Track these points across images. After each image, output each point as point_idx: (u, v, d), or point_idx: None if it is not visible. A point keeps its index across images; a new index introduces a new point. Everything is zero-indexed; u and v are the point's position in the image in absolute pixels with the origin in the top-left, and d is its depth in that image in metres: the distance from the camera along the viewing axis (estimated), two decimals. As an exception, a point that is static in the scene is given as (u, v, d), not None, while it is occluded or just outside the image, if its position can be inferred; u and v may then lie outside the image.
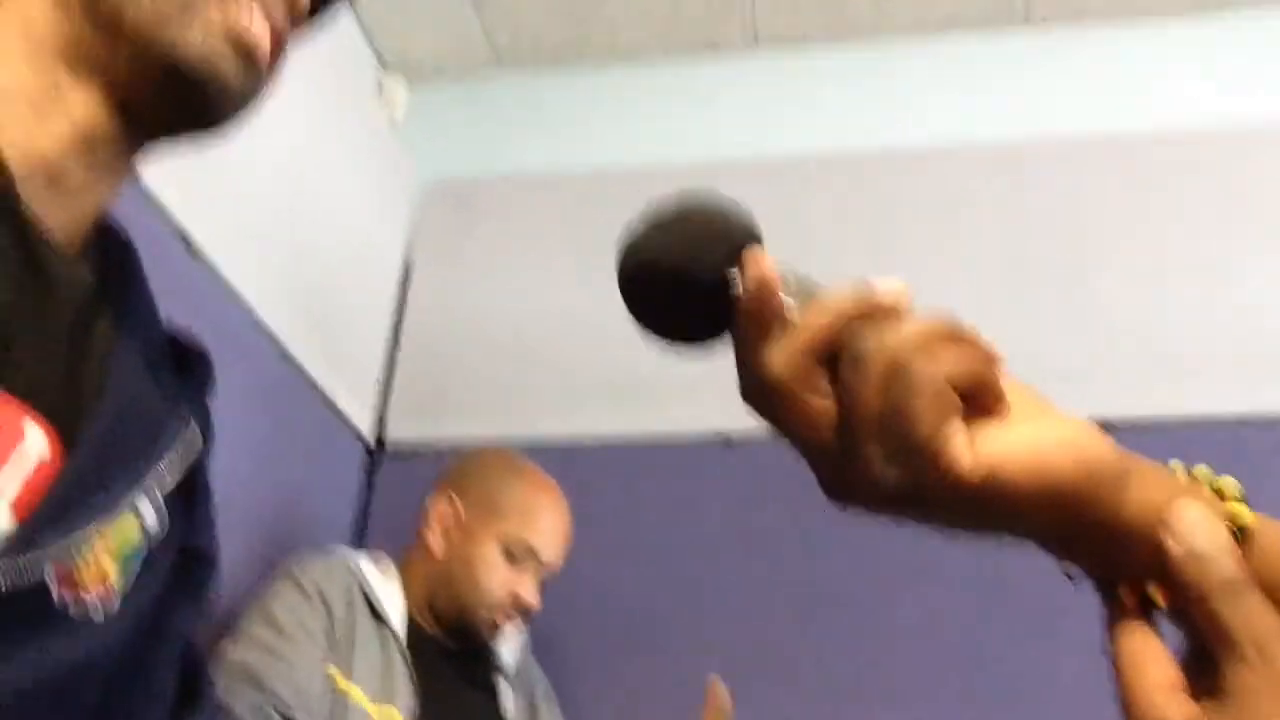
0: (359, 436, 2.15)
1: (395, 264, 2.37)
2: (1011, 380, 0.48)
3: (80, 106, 0.72)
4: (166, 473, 0.73)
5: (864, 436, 0.45)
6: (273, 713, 1.32)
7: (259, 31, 0.73)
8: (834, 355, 0.47)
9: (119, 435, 0.71)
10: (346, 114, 2.28)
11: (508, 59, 2.62)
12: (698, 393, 2.09)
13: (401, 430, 2.19)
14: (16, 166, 0.69)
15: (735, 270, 0.50)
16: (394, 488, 2.13)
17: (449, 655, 1.60)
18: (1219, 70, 2.33)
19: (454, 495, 1.64)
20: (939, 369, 0.45)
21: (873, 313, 0.48)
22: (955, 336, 0.46)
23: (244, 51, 0.72)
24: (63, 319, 0.70)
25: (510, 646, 1.67)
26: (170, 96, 0.72)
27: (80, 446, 0.68)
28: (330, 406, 2.05)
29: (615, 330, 2.32)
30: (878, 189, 2.30)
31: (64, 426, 0.68)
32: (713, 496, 2.04)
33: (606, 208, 2.36)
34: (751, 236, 0.53)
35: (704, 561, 1.99)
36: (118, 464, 0.70)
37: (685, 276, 0.52)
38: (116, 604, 0.69)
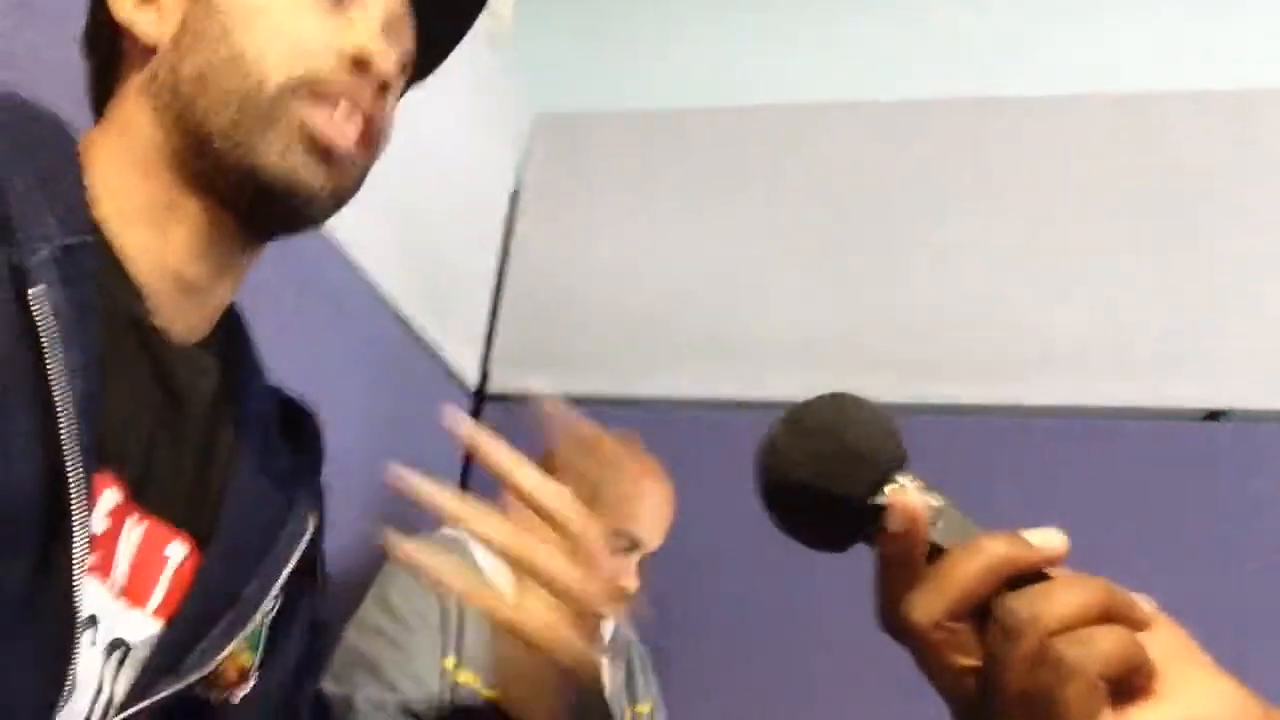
0: (463, 385, 2.18)
1: (501, 203, 2.35)
2: (1162, 634, 0.48)
3: (194, 214, 0.74)
4: (288, 565, 0.77)
5: (1008, 712, 0.45)
6: (392, 706, 1.39)
7: (341, 129, 0.73)
8: (982, 609, 0.47)
9: (246, 538, 0.76)
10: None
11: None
12: (804, 356, 2.08)
13: (505, 381, 2.21)
14: (144, 279, 0.72)
15: (883, 496, 0.50)
16: (497, 434, 2.17)
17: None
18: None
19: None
20: (1092, 659, 0.44)
21: (1026, 569, 0.47)
22: (1109, 610, 0.46)
23: (324, 152, 0.73)
24: (193, 430, 0.74)
25: (608, 622, 1.73)
26: (262, 206, 0.74)
27: (213, 556, 0.73)
28: (435, 355, 2.08)
29: (722, 285, 2.31)
30: (997, 137, 2.20)
31: (197, 529, 0.73)
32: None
33: (725, 147, 2.33)
34: (899, 458, 0.52)
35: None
36: (247, 567, 0.75)
37: (828, 498, 0.51)
38: (251, 681, 0.74)
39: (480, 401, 2.22)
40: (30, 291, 0.60)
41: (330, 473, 1.72)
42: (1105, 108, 2.15)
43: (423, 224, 2.04)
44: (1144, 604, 0.48)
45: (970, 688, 0.47)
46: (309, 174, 0.72)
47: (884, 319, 2.07)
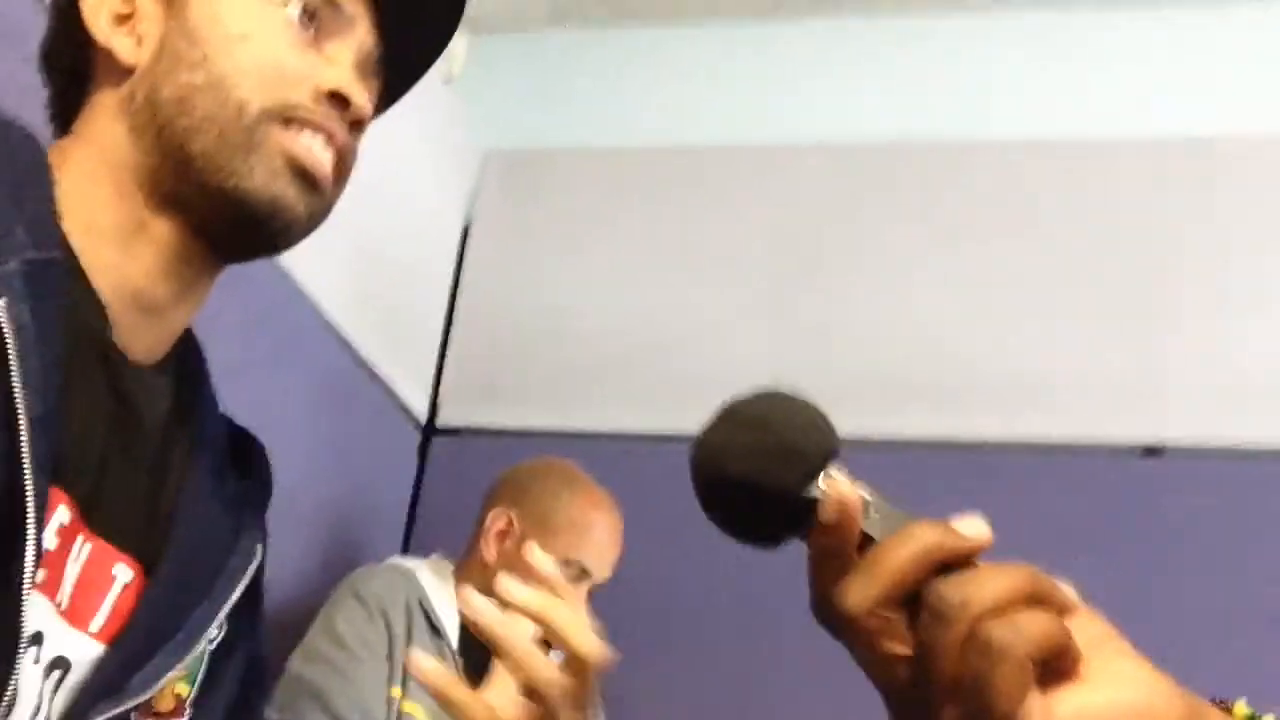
0: (413, 419, 2.18)
1: (452, 239, 2.37)
2: (1086, 622, 0.49)
3: (163, 234, 0.75)
4: (234, 592, 0.77)
5: (941, 696, 0.46)
6: (337, 735, 1.38)
7: (320, 158, 0.75)
8: (912, 596, 0.47)
9: (193, 562, 0.76)
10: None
11: (572, 14, 2.51)
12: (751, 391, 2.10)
13: (455, 415, 2.21)
14: (108, 296, 0.72)
15: (815, 488, 0.51)
16: (446, 468, 2.17)
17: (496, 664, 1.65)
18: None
19: (510, 510, 1.67)
20: (1020, 641, 0.45)
21: (955, 556, 0.48)
22: (1036, 595, 0.47)
23: (307, 178, 0.75)
24: (147, 449, 0.75)
25: (554, 653, 1.72)
26: (241, 231, 0.76)
27: (160, 579, 0.73)
28: (386, 391, 2.08)
29: (674, 321, 2.32)
30: (944, 180, 2.25)
31: (145, 551, 0.73)
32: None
33: (678, 186, 2.36)
34: (834, 450, 0.52)
35: (750, 561, 2.01)
36: (194, 592, 0.75)
37: (761, 490, 0.52)
38: (187, 714, 0.74)
39: (429, 435, 2.22)
40: None
41: (280, 502, 1.71)
42: (1056, 152, 2.21)
43: (374, 258, 2.05)
44: (1068, 590, 0.49)
45: (904, 676, 0.48)
46: (293, 199, 0.74)
47: (829, 355, 2.10)
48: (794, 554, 1.81)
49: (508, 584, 0.72)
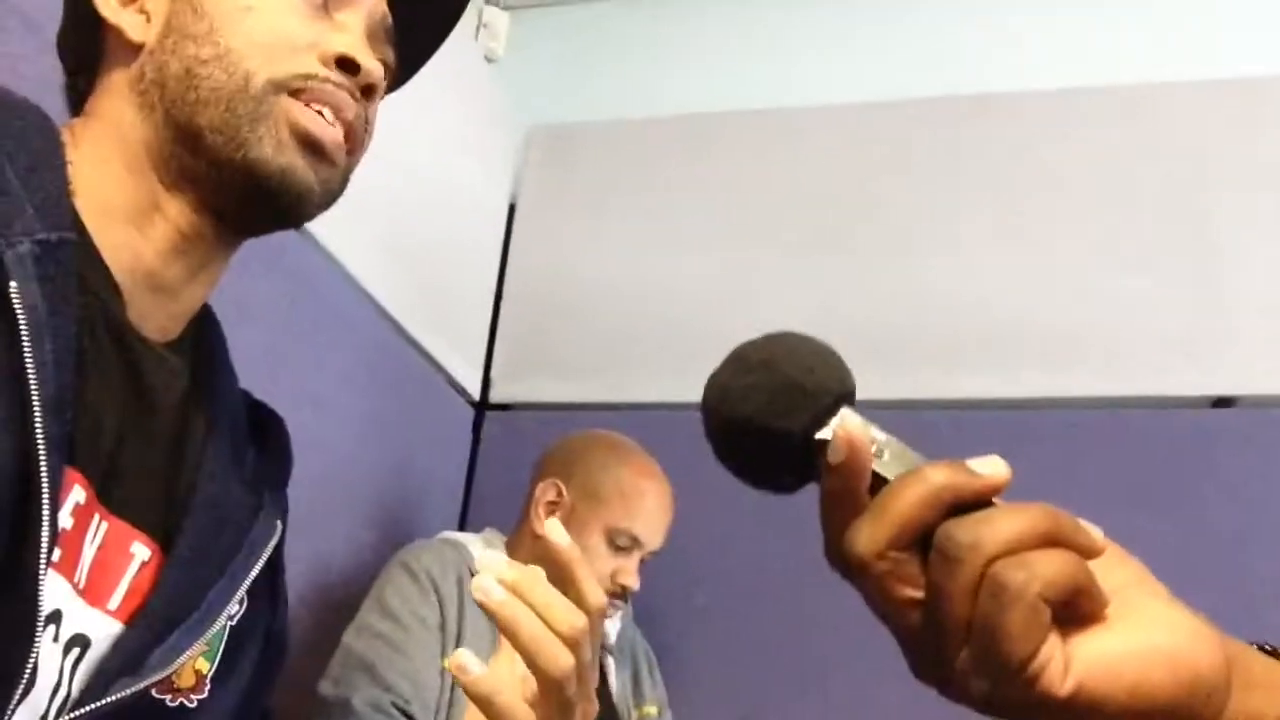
0: (465, 395, 2.18)
1: (499, 216, 2.36)
2: (1115, 564, 0.47)
3: (176, 212, 0.75)
4: (253, 570, 0.77)
5: (952, 641, 0.44)
6: (390, 707, 1.38)
7: (329, 130, 0.75)
8: (925, 538, 0.46)
9: (211, 541, 0.75)
10: (443, 50, 2.23)
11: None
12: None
13: (507, 391, 2.21)
14: (121, 276, 0.72)
15: (827, 431, 0.49)
16: (499, 444, 2.18)
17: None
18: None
19: (559, 481, 1.66)
20: (1033, 583, 0.43)
21: (968, 496, 0.46)
22: (1052, 535, 0.45)
23: (315, 148, 0.74)
24: (163, 430, 0.74)
25: (613, 621, 1.72)
26: (253, 204, 0.75)
27: (178, 558, 0.72)
28: (436, 366, 2.08)
29: (716, 290, 2.31)
30: (988, 132, 2.20)
31: (163, 530, 0.73)
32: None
33: (715, 153, 2.33)
34: (845, 392, 0.51)
35: (801, 526, 1.99)
36: (212, 571, 0.75)
37: (769, 433, 0.50)
38: (207, 689, 0.74)
39: (482, 411, 2.22)
40: (9, 285, 0.60)
41: (335, 481, 1.74)
42: (1104, 99, 2.15)
43: (421, 237, 2.05)
44: (1093, 531, 0.46)
45: (916, 621, 0.46)
46: (302, 170, 0.74)
47: (881, 317, 2.06)
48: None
49: (483, 583, 0.70)
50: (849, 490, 0.48)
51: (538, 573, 0.72)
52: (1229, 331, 1.95)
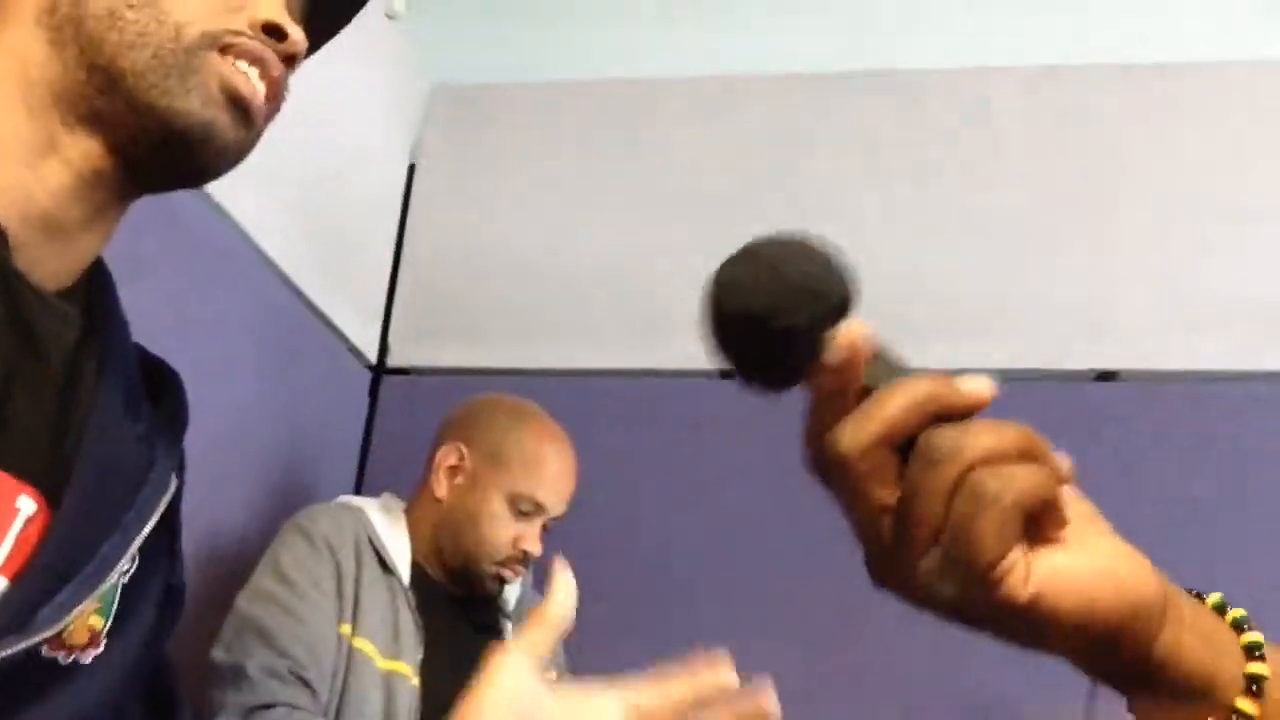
0: (362, 358, 2.14)
1: (399, 176, 2.32)
2: (1072, 498, 0.49)
3: (77, 154, 0.71)
4: (147, 525, 0.74)
5: (921, 542, 0.46)
6: (286, 673, 1.36)
7: (255, 89, 0.73)
8: (906, 446, 0.47)
9: (102, 494, 0.73)
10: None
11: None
12: (697, 327, 2.09)
13: (405, 355, 2.18)
14: (9, 217, 0.69)
15: (826, 334, 0.50)
16: (397, 408, 2.15)
17: (454, 600, 1.63)
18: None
19: (461, 445, 1.65)
20: (1009, 490, 0.45)
21: (952, 409, 0.48)
22: (1029, 452, 0.47)
23: (241, 108, 0.73)
24: (52, 379, 0.71)
25: (513, 587, 1.71)
26: (167, 154, 0.72)
27: (66, 511, 0.69)
28: (333, 328, 2.04)
29: (624, 256, 2.32)
30: (898, 108, 2.24)
31: (50, 483, 0.70)
32: (713, 429, 2.05)
33: (627, 120, 2.32)
34: (848, 298, 0.52)
35: (704, 492, 2.01)
36: (103, 525, 0.72)
37: (773, 327, 0.51)
38: (102, 645, 0.71)
39: (379, 375, 2.19)
40: None
41: (229, 443, 1.69)
42: (1012, 78, 2.20)
43: (321, 197, 2.00)
44: (1062, 461, 0.49)
45: (886, 528, 0.47)
46: (225, 127, 0.72)
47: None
48: (746, 496, 1.82)
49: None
50: (840, 391, 0.49)
51: None
52: (1114, 307, 2.02)
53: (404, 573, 1.57)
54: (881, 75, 2.23)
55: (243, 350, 1.77)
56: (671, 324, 2.10)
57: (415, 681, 1.50)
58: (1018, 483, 0.45)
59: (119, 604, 0.73)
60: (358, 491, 2.04)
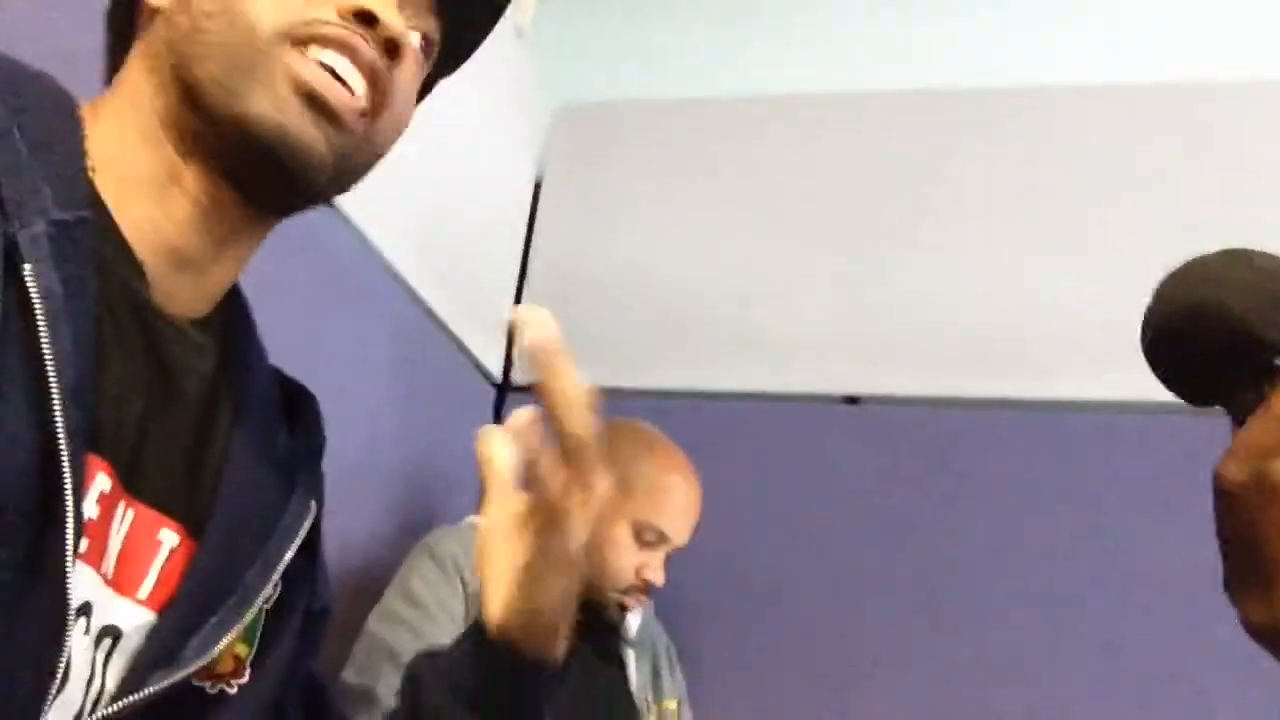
0: (488, 376, 2.16)
1: (524, 194, 2.34)
2: None
3: (193, 183, 0.70)
4: (288, 552, 0.74)
5: None
6: (414, 697, 1.37)
7: (338, 89, 0.69)
8: None
9: (243, 525, 0.73)
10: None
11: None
12: (825, 351, 2.06)
13: (530, 373, 2.19)
14: (143, 253, 0.69)
15: None
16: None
17: (577, 626, 1.63)
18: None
19: (587, 471, 1.64)
20: None
21: None
22: None
23: (321, 106, 0.68)
24: (188, 412, 0.71)
25: (635, 615, 1.71)
26: (255, 166, 0.69)
27: (208, 544, 0.70)
28: (460, 349, 2.06)
29: (749, 275, 2.31)
30: (1026, 126, 2.17)
31: (191, 515, 0.70)
32: (835, 455, 2.03)
33: (751, 137, 2.30)
34: None
35: (825, 520, 1.99)
36: (245, 555, 0.72)
37: (1244, 331, 0.49)
38: (247, 674, 0.72)
39: (504, 393, 2.20)
40: (24, 269, 0.58)
41: (354, 461, 1.72)
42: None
43: (446, 215, 2.03)
44: None
45: None
46: (305, 131, 0.68)
47: (899, 315, 2.07)
48: (866, 523, 1.79)
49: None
50: None
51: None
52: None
53: (529, 598, 1.57)
54: (1006, 94, 2.18)
55: (369, 366, 1.79)
56: (794, 346, 2.09)
57: (540, 708, 1.50)
58: None
59: (263, 631, 0.74)
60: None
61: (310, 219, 1.65)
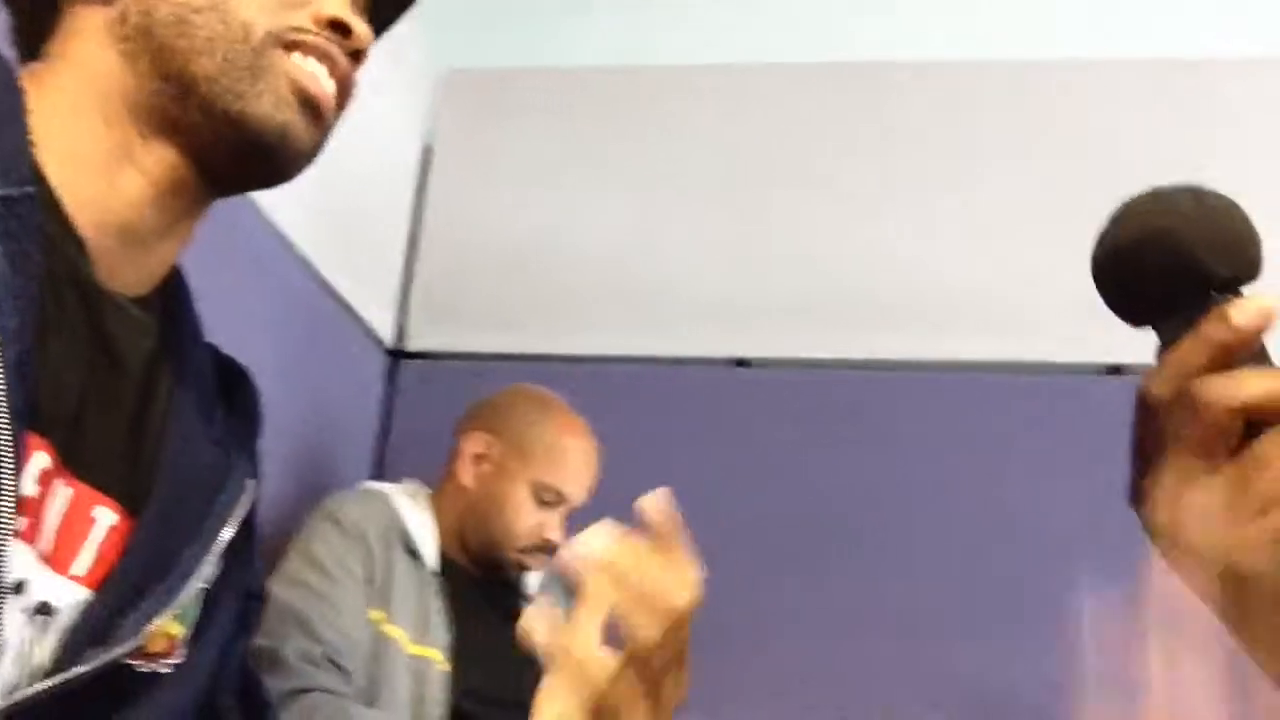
0: (379, 342, 2.16)
1: (413, 159, 2.32)
2: None
3: (153, 163, 0.72)
4: (226, 533, 0.75)
5: (1246, 513, 0.48)
6: (321, 659, 1.38)
7: (325, 88, 0.74)
8: (1255, 423, 0.49)
9: (181, 502, 0.74)
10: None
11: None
12: (715, 315, 2.11)
13: (422, 339, 2.20)
14: (88, 228, 0.69)
15: (1234, 285, 0.51)
16: (415, 392, 2.16)
17: (479, 585, 1.66)
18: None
19: (486, 434, 1.67)
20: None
21: None
22: None
23: (312, 108, 0.74)
24: (129, 389, 0.72)
25: (536, 574, 1.74)
26: (245, 159, 0.73)
27: (147, 521, 0.71)
28: (351, 315, 2.05)
29: (639, 242, 2.33)
30: (912, 98, 2.24)
31: (130, 493, 0.71)
32: (725, 417, 2.08)
33: (642, 106, 2.33)
34: (1258, 273, 0.53)
35: (716, 483, 2.03)
36: (183, 533, 0.73)
37: (1196, 263, 0.51)
38: (182, 653, 0.73)
39: (396, 359, 2.20)
40: None
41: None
42: (1016, 72, 2.20)
43: (335, 181, 1.99)
44: None
45: (1214, 487, 0.49)
46: (300, 129, 0.73)
47: (797, 275, 2.12)
48: (754, 483, 1.82)
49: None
50: (1227, 348, 0.50)
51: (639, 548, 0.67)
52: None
53: (432, 559, 1.59)
54: (897, 66, 2.24)
55: (261, 333, 1.77)
56: (685, 311, 2.13)
57: (444, 666, 1.53)
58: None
59: (200, 611, 0.75)
60: (376, 476, 2.06)
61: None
